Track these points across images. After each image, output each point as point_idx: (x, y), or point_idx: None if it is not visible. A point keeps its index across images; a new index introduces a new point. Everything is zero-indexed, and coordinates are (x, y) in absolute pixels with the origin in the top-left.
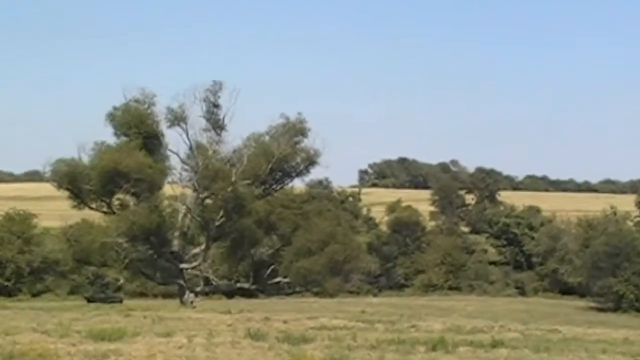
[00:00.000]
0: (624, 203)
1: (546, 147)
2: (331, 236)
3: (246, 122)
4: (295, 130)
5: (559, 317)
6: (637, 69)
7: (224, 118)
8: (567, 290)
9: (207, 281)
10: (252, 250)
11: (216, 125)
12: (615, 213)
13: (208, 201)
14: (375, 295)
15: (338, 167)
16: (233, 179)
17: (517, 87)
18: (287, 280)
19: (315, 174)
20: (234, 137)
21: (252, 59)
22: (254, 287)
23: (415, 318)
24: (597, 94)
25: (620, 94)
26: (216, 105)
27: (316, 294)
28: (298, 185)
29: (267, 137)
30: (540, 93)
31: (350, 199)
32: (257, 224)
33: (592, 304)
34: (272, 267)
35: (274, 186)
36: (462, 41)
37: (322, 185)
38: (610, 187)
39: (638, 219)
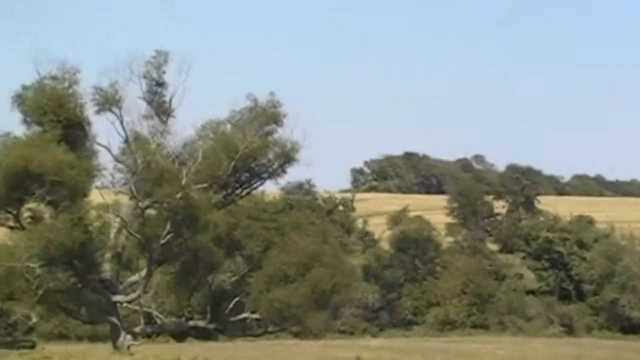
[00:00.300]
0: None
1: (600, 138)
2: (315, 258)
3: (201, 106)
4: (266, 116)
5: None
6: None
7: (170, 100)
8: (630, 328)
9: (149, 318)
10: (209, 278)
11: (160, 110)
12: None
13: (150, 212)
14: (374, 335)
15: (324, 165)
16: (184, 181)
17: (557, 59)
18: (256, 316)
19: (294, 174)
20: (185, 126)
21: (210, 25)
22: (211, 325)
23: None
24: None
25: None
26: (160, 84)
27: (296, 335)
28: (271, 189)
29: (228, 126)
30: (586, 64)
31: (341, 207)
32: (216, 241)
33: None
34: (236, 299)
35: (238, 191)
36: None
37: (303, 189)
38: None
39: None
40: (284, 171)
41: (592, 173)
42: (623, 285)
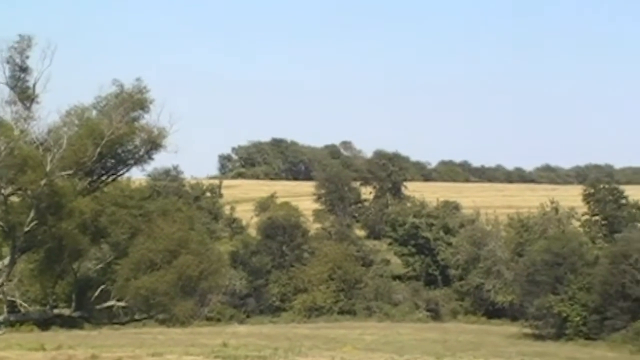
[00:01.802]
0: (568, 196)
1: (466, 125)
2: (182, 244)
3: (67, 91)
4: (132, 102)
5: (485, 347)
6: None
7: (34, 86)
8: (494, 313)
9: (12, 307)
10: (74, 265)
11: (24, 95)
12: (556, 210)
13: (14, 199)
14: (241, 322)
15: (192, 151)
16: (48, 168)
17: (423, 46)
18: (122, 304)
19: (161, 160)
20: (49, 112)
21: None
22: (77, 314)
23: (294, 352)
24: (533, 58)
25: (561, 61)
26: (24, 69)
27: (162, 322)
28: (137, 176)
29: (94, 112)
30: (453, 49)
31: (208, 194)
32: (81, 228)
33: (528, 330)
34: (102, 287)
35: (104, 177)
36: None
37: (170, 176)
38: (549, 175)
39: (586, 217)
40: (150, 157)
41: (458, 159)
42: (488, 270)
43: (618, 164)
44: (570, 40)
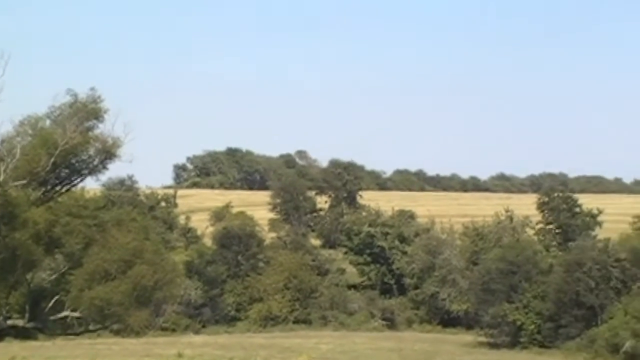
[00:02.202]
0: (522, 205)
1: (421, 134)
2: (136, 254)
3: (20, 101)
4: (86, 111)
5: (440, 356)
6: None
7: None
8: (450, 321)
9: None
10: (28, 276)
11: None
12: (511, 218)
13: None
14: (197, 332)
15: (147, 161)
16: (1, 178)
17: (375, 53)
18: (76, 314)
19: (115, 170)
20: (2, 122)
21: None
22: (31, 324)
23: None
24: (487, 65)
25: (513, 69)
26: None
27: (117, 333)
28: (92, 186)
29: (48, 122)
30: (404, 58)
31: (163, 203)
32: (35, 239)
33: (483, 339)
34: (56, 297)
35: (58, 187)
36: None
37: (125, 186)
38: (504, 184)
39: (541, 225)
40: (105, 167)
41: (413, 168)
42: (443, 279)
43: (572, 173)
44: (520, 48)
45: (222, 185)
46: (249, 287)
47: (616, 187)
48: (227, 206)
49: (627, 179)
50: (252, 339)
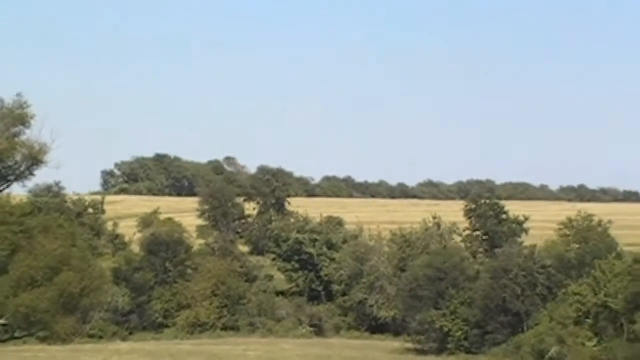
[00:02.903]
0: (450, 212)
1: (350, 141)
2: (63, 261)
3: None
4: (13, 117)
5: None
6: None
7: None
8: (378, 328)
9: None
10: None
11: None
12: (439, 225)
13: None
14: (124, 339)
15: (74, 167)
16: None
17: (307, 59)
18: (2, 322)
19: (42, 176)
20: None
21: None
22: None
23: None
24: (411, 73)
25: (440, 78)
26: None
27: (43, 340)
28: (18, 192)
29: None
30: (337, 69)
31: (91, 210)
32: None
33: (410, 345)
34: None
35: None
36: None
37: (52, 192)
38: (432, 191)
39: (468, 232)
40: (31, 174)
41: (341, 175)
42: (371, 286)
43: (499, 180)
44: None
45: (150, 192)
46: (177, 294)
47: (542, 194)
48: (155, 213)
49: (553, 186)
50: (180, 346)
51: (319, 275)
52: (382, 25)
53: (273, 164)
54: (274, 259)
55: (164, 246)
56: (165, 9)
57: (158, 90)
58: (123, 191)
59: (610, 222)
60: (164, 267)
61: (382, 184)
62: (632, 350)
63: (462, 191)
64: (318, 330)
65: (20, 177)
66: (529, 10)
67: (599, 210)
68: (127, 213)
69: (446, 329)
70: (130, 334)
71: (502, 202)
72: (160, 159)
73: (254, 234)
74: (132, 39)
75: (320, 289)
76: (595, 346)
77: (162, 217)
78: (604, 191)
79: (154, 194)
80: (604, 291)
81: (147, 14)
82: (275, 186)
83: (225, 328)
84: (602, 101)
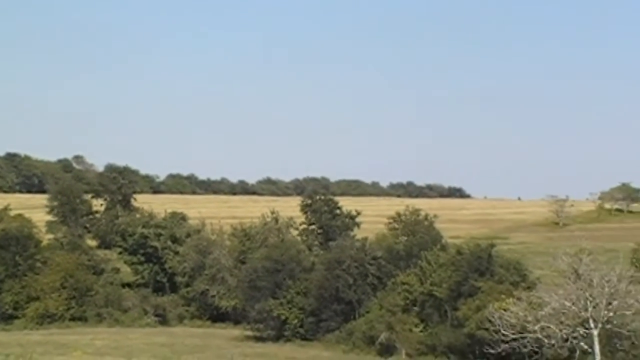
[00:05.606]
0: (288, 207)
1: (192, 141)
2: None
3: None
4: None
5: (210, 350)
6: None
7: None
8: (219, 317)
9: None
10: None
11: None
12: (276, 220)
13: None
14: None
15: None
16: None
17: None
18: None
19: None
20: None
21: None
22: None
23: (26, 358)
24: (253, 77)
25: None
26: None
27: None
28: None
29: None
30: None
31: None
32: None
33: (250, 333)
34: None
35: None
36: None
37: None
38: (270, 188)
39: (304, 226)
40: None
41: (185, 172)
42: (213, 277)
43: (334, 177)
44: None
45: (1, 189)
46: (26, 287)
47: (373, 190)
48: (5, 209)
49: (384, 183)
50: (29, 336)
51: (164, 268)
52: None
53: (120, 162)
54: (120, 253)
55: (14, 241)
56: None
57: (8, 90)
58: None
59: (435, 216)
60: (13, 261)
61: (223, 181)
62: (455, 334)
63: (298, 188)
64: (162, 319)
65: None
66: None
67: (425, 205)
68: None
69: (283, 317)
70: None
71: (336, 198)
72: (10, 157)
73: (101, 229)
74: None
75: (164, 280)
76: (421, 331)
77: (12, 213)
78: (430, 187)
79: (5, 191)
80: (430, 280)
81: None
82: (121, 183)
83: (73, 318)
84: (434, 101)
